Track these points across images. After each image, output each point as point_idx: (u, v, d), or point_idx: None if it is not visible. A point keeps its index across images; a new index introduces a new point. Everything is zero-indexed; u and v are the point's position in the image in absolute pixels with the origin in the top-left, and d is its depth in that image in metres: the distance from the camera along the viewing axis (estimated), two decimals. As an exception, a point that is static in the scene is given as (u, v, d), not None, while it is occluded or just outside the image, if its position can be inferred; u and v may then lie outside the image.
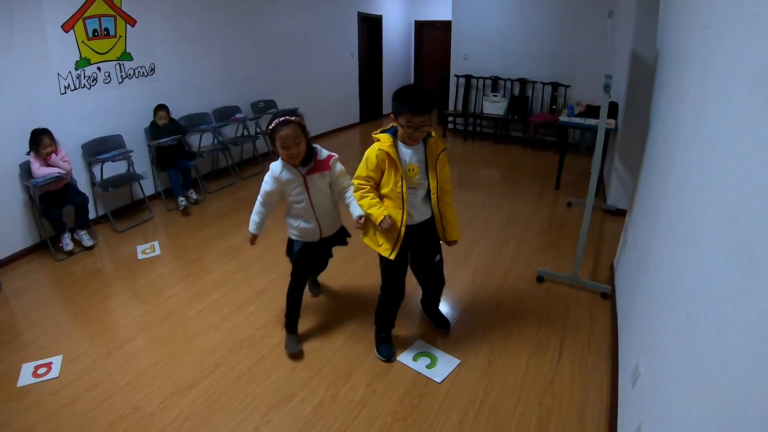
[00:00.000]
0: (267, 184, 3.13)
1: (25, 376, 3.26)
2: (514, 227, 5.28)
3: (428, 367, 3.14)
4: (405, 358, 3.24)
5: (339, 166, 3.21)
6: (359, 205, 2.99)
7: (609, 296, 3.86)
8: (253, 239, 3.31)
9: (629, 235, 3.81)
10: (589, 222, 3.92)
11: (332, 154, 3.18)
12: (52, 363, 3.36)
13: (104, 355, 3.42)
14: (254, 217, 3.26)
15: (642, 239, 3.12)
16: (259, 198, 3.21)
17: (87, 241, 5.11)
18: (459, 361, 3.19)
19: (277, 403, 2.89)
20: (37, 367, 3.33)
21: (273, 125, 2.93)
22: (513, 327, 3.55)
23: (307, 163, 3.06)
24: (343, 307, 3.89)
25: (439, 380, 3.03)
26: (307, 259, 3.36)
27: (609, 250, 4.70)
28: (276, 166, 3.09)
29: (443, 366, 3.15)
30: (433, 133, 2.97)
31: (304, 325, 3.59)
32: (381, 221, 2.85)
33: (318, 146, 3.14)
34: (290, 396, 2.94)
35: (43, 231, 5.07)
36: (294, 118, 2.95)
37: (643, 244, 3.05)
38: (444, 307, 3.76)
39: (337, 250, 3.95)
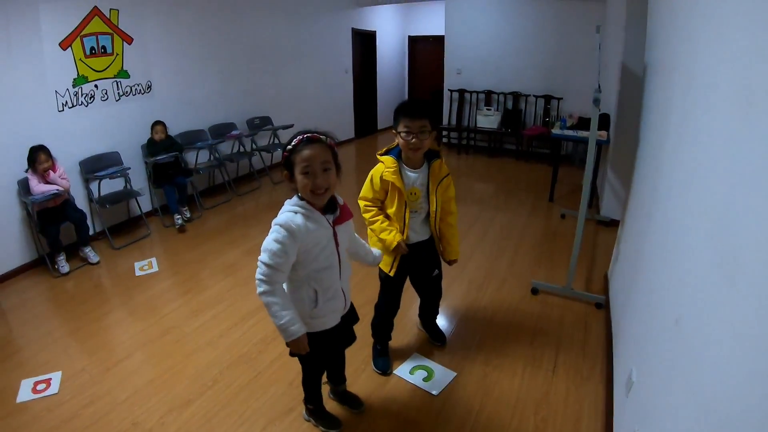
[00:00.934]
0: (278, 254, 2.05)
1: (25, 392, 3.27)
2: (508, 240, 5.31)
3: (425, 380, 3.16)
4: (402, 371, 3.26)
5: None
6: (372, 230, 2.90)
7: (603, 306, 3.90)
8: (306, 339, 2.20)
9: (622, 246, 3.85)
10: (583, 233, 3.96)
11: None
12: (51, 379, 3.37)
13: (103, 372, 3.43)
14: (285, 315, 2.09)
15: (634, 249, 3.16)
16: (267, 279, 2.06)
17: (93, 257, 5.14)
18: (455, 374, 3.21)
19: (276, 418, 2.91)
20: (36, 383, 3.34)
21: (293, 143, 2.08)
22: (508, 339, 3.58)
23: (332, 208, 2.23)
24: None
25: (435, 393, 3.05)
26: (332, 351, 2.62)
27: (603, 260, 4.74)
28: (291, 219, 2.08)
29: (440, 379, 3.17)
30: (440, 155, 2.92)
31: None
32: (395, 247, 2.82)
33: None
34: (288, 410, 2.96)
35: (40, 247, 5.10)
36: (324, 137, 2.12)
37: (634, 254, 3.08)
38: (440, 320, 3.78)
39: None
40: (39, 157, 4.77)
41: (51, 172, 4.85)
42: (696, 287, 1.60)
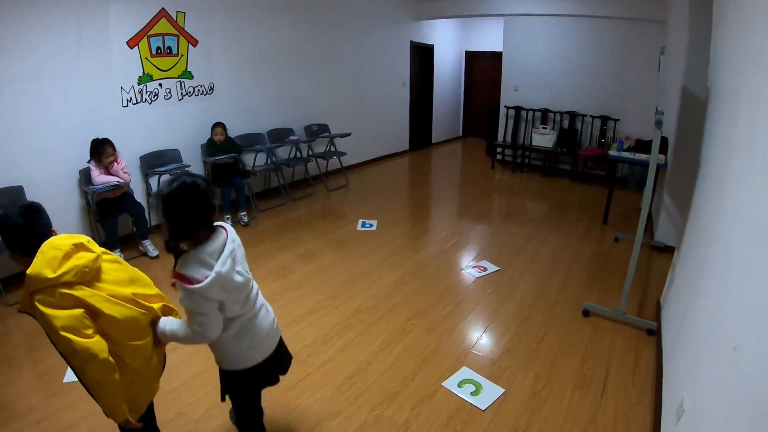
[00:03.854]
0: None
1: (72, 373, 3.34)
2: (560, 260, 5.23)
3: (473, 394, 3.14)
4: (450, 383, 3.24)
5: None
6: None
7: (655, 333, 3.80)
8: None
9: (677, 272, 3.77)
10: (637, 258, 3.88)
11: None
12: None
13: None
14: None
15: (690, 276, 3.09)
16: None
17: (152, 251, 5.30)
18: (504, 390, 3.18)
19: (321, 421, 2.93)
20: None
21: None
22: (558, 359, 3.53)
23: None
24: (392, 329, 3.91)
25: (483, 408, 3.02)
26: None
27: (656, 286, 4.63)
28: None
29: (488, 394, 3.14)
30: None
31: (355, 344, 3.68)
32: None
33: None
34: (334, 414, 2.98)
35: (98, 236, 5.24)
36: None
37: (691, 281, 3.02)
38: (490, 337, 3.79)
39: (387, 273, 4.26)
40: (106, 150, 4.93)
41: (114, 164, 5.02)
42: (756, 314, 1.58)
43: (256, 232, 6.12)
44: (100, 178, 4.94)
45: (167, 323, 2.14)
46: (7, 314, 4.31)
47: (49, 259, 1.81)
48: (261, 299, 2.35)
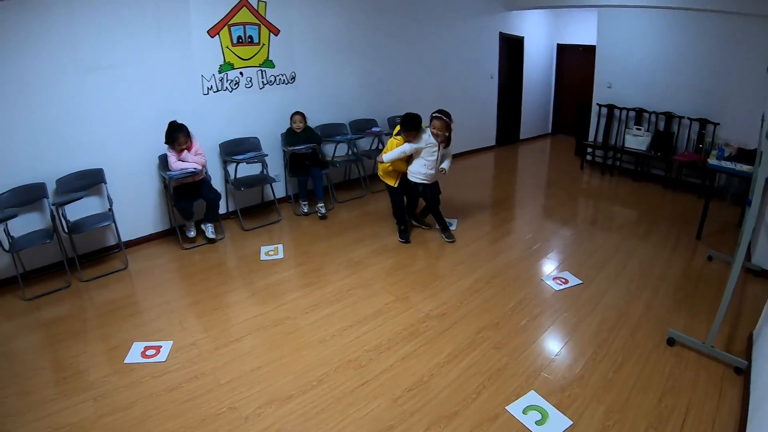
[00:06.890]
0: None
1: (134, 355, 3.48)
2: (647, 278, 4.79)
3: (538, 423, 2.89)
4: (515, 408, 3.00)
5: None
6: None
7: (743, 372, 3.39)
8: None
9: (778, 307, 3.38)
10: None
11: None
12: (161, 347, 3.56)
13: (212, 350, 3.54)
14: None
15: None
16: None
17: (210, 233, 5.36)
18: (571, 423, 2.90)
19: (374, 434, 2.80)
20: (146, 348, 3.54)
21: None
22: (634, 392, 3.20)
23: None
24: (460, 340, 3.72)
25: (547, 440, 2.78)
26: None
27: (748, 316, 4.14)
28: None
29: (554, 425, 2.88)
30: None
31: (420, 354, 3.54)
32: None
33: None
34: (387, 428, 2.84)
35: (173, 219, 5.46)
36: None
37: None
38: (564, 360, 3.51)
39: (462, 278, 4.33)
40: (179, 139, 5.01)
41: (186, 151, 5.10)
42: None
43: (332, 223, 6.07)
44: (177, 164, 5.03)
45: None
46: (83, 289, 4.48)
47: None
48: None
